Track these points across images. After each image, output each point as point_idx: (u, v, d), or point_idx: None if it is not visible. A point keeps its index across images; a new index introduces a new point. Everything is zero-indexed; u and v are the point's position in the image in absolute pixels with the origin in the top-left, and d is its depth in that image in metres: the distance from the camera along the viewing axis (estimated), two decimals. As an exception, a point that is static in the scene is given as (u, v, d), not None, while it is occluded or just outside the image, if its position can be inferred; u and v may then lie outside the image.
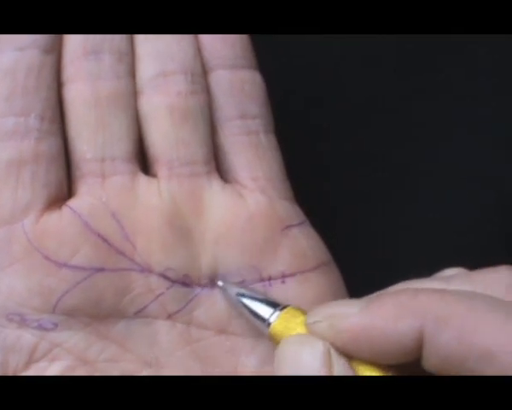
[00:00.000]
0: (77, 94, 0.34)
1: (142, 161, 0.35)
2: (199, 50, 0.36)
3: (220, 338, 0.34)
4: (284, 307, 0.32)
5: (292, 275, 0.34)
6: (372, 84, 0.43)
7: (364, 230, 0.40)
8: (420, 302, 0.28)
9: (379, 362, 0.29)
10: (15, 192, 0.33)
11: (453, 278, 0.31)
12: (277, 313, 0.32)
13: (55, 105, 0.34)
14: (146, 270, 0.34)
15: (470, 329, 0.27)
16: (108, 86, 0.34)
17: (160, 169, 0.35)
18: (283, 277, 0.34)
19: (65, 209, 0.34)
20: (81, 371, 0.33)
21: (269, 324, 0.32)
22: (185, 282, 0.34)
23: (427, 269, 0.33)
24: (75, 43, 0.35)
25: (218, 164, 0.35)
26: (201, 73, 0.35)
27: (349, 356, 0.29)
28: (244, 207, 0.34)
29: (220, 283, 0.34)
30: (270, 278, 0.34)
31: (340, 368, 0.29)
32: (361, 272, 0.36)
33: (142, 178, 0.34)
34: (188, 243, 0.34)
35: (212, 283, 0.34)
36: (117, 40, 0.35)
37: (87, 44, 0.34)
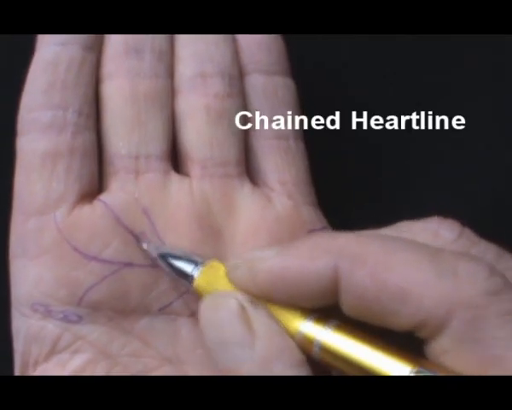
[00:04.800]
0: (116, 90, 0.34)
1: (174, 159, 0.35)
2: (236, 54, 0.36)
3: None
4: (207, 262, 0.33)
5: None
6: (372, 85, 0.43)
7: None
8: (335, 242, 0.29)
9: (299, 305, 0.30)
10: (49, 184, 0.33)
11: (382, 230, 0.32)
12: (200, 268, 0.32)
13: (92, 101, 0.34)
14: None
15: (384, 267, 0.28)
16: (147, 84, 0.34)
17: (193, 168, 0.35)
18: None
19: (97, 203, 0.34)
20: (102, 365, 0.33)
21: (193, 279, 0.32)
22: (211, 280, 0.34)
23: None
24: (117, 41, 0.35)
25: (247, 165, 0.36)
26: (238, 75, 0.36)
27: (270, 301, 0.30)
28: (272, 210, 0.35)
29: (144, 245, 0.33)
30: None
31: (259, 320, 0.29)
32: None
33: (175, 177, 0.35)
34: (216, 242, 0.34)
35: None
36: (158, 40, 0.35)
37: (129, 42, 0.35)
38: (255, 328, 0.29)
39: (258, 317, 0.29)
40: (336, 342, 0.29)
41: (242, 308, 0.29)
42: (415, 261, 0.28)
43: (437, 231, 0.31)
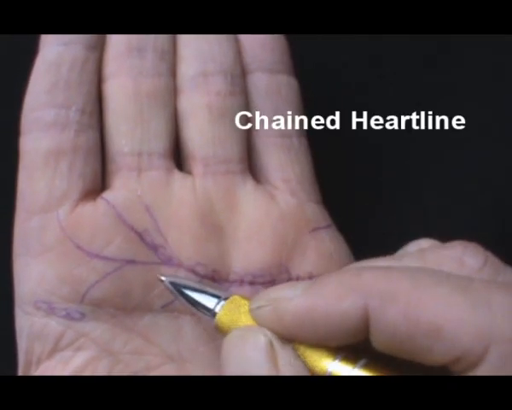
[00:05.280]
0: (118, 89, 0.34)
1: (177, 158, 0.36)
2: (239, 52, 0.36)
3: None
4: (228, 297, 0.32)
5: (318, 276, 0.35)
6: (372, 85, 0.43)
7: (363, 233, 0.41)
8: (363, 280, 0.28)
9: (326, 344, 0.29)
10: (52, 182, 0.33)
11: (406, 256, 0.31)
12: (222, 303, 0.32)
13: (95, 99, 0.34)
14: (176, 264, 0.34)
15: (416, 304, 0.27)
16: (149, 83, 0.34)
17: (196, 166, 0.35)
18: (310, 277, 0.35)
19: (100, 201, 0.34)
20: (105, 362, 0.33)
21: (214, 314, 0.32)
22: (214, 278, 0.34)
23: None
24: (119, 40, 0.35)
25: (250, 163, 0.36)
26: (241, 74, 0.36)
27: (296, 341, 0.29)
28: (275, 207, 0.35)
29: (163, 277, 0.33)
30: (298, 278, 0.35)
31: (285, 359, 0.29)
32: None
33: (178, 174, 0.35)
34: (219, 239, 0.34)
35: (240, 280, 0.34)
36: (160, 39, 0.35)
37: (131, 41, 0.35)
38: (280, 367, 0.28)
39: (284, 356, 0.29)
40: None
41: (270, 345, 0.29)
42: (447, 295, 0.27)
43: (462, 259, 0.30)
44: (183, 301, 0.32)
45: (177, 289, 0.32)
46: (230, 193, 0.35)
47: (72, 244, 0.33)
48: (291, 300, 0.29)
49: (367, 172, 0.43)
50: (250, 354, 0.29)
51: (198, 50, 0.35)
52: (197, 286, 0.33)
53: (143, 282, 0.33)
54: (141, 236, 0.33)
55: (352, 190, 0.42)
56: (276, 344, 0.29)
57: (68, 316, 0.33)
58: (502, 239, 0.32)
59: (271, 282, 0.34)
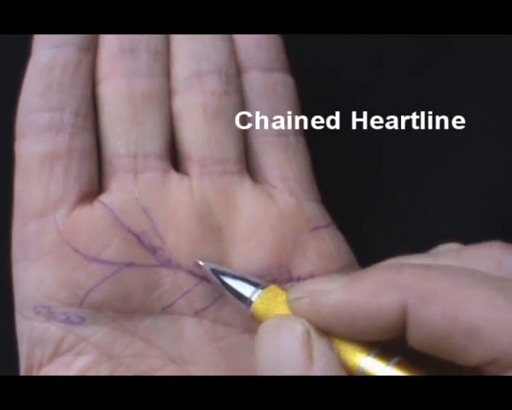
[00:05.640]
0: (112, 90, 0.34)
1: (173, 159, 0.35)
2: (234, 52, 0.36)
3: (246, 336, 0.35)
4: (266, 286, 0.32)
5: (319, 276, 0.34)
6: (372, 85, 0.43)
7: (363, 233, 0.41)
8: (403, 277, 0.28)
9: (362, 339, 0.29)
10: (48, 186, 0.33)
11: (442, 255, 0.31)
12: (259, 291, 0.32)
13: (90, 102, 0.34)
14: (175, 266, 0.34)
15: (455, 303, 0.27)
16: (143, 84, 0.34)
17: (192, 167, 0.35)
18: (312, 277, 0.35)
19: (96, 204, 0.34)
20: (106, 366, 0.33)
21: (250, 303, 0.32)
22: (213, 279, 0.34)
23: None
24: (112, 42, 0.35)
25: (247, 163, 0.36)
26: (236, 73, 0.36)
27: (331, 334, 0.30)
28: (274, 207, 0.35)
29: (201, 262, 0.34)
30: (299, 278, 0.35)
31: (320, 350, 0.29)
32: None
33: (174, 175, 0.35)
34: (218, 240, 0.34)
35: None
36: (153, 39, 0.35)
37: (124, 43, 0.34)
38: (315, 357, 0.28)
39: (319, 347, 0.29)
40: None
41: (306, 335, 0.29)
42: (486, 296, 0.27)
43: (499, 259, 0.30)
44: (221, 287, 0.33)
45: (216, 275, 0.33)
46: (228, 193, 0.35)
47: (70, 248, 0.33)
48: (330, 293, 0.29)
49: (367, 172, 0.43)
50: (285, 343, 0.29)
51: (192, 50, 0.35)
52: (236, 274, 0.33)
53: (143, 284, 0.33)
54: (139, 238, 0.33)
55: (352, 190, 0.42)
56: (312, 334, 0.29)
57: (68, 320, 0.33)
58: (502, 239, 0.32)
59: (272, 282, 0.34)
